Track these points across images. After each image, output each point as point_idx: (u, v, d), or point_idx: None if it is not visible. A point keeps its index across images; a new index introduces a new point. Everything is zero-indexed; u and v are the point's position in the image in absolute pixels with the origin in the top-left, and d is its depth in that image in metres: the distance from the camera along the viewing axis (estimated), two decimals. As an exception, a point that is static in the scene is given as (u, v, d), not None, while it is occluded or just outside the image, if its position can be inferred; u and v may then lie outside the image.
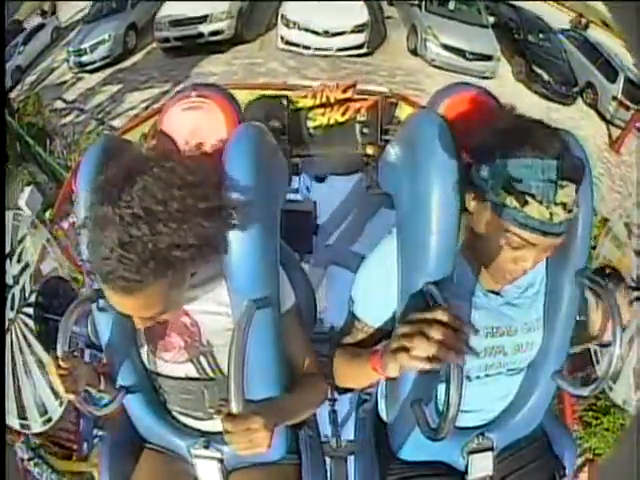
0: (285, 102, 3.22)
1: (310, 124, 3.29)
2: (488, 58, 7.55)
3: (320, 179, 3.24)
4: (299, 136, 3.25)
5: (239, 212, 0.90)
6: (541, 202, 0.85)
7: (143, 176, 0.81)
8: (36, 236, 1.79)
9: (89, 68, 7.58)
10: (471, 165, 0.93)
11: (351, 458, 1.60)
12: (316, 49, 7.28)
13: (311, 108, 3.27)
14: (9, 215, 1.77)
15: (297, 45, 7.30)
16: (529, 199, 0.85)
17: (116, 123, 6.54)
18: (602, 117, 7.43)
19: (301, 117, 3.26)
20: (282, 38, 7.36)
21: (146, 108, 6.46)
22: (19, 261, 1.74)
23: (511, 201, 0.87)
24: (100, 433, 2.13)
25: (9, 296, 1.69)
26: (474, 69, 7.45)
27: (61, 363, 0.95)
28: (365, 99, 3.22)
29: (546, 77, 7.53)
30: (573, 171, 0.86)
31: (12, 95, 6.92)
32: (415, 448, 1.12)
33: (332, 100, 3.25)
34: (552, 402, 1.18)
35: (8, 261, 1.73)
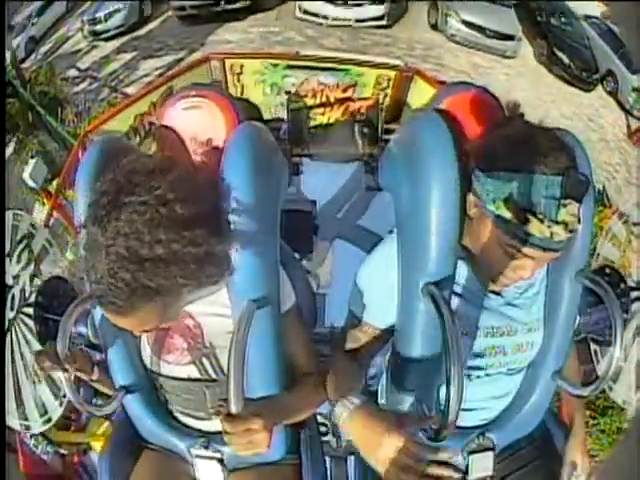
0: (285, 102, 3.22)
1: (310, 123, 3.29)
2: (509, 37, 7.51)
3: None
4: (299, 136, 3.24)
5: (235, 248, 0.90)
6: (542, 221, 0.84)
7: (130, 201, 0.78)
8: (36, 236, 1.79)
9: (104, 37, 7.58)
10: (473, 170, 0.92)
11: (351, 458, 1.59)
12: (334, 19, 7.23)
13: (311, 107, 3.27)
14: (9, 215, 1.76)
15: (315, 15, 7.26)
16: (530, 217, 0.84)
17: (129, 90, 6.56)
18: (622, 107, 7.38)
19: (301, 117, 3.26)
20: (300, 7, 7.34)
21: (160, 75, 6.45)
22: (19, 261, 1.73)
23: (511, 217, 0.86)
24: (100, 402, 2.12)
25: (9, 296, 1.69)
26: (495, 47, 7.43)
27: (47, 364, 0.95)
28: (365, 99, 3.22)
29: (567, 61, 7.48)
30: (577, 189, 0.85)
31: (25, 65, 6.86)
32: (415, 448, 1.11)
33: (332, 100, 3.25)
34: (552, 402, 1.17)
35: (8, 261, 1.72)
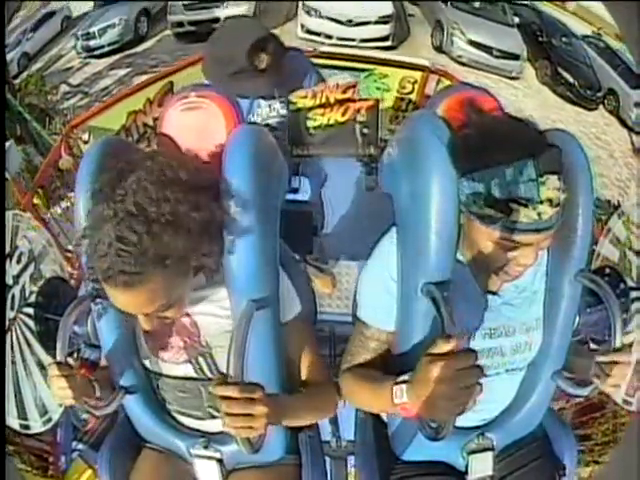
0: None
1: (310, 124, 3.28)
2: (515, 57, 7.43)
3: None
4: (299, 136, 3.23)
5: (233, 228, 0.92)
6: (526, 205, 0.84)
7: (137, 169, 0.83)
8: (36, 236, 1.79)
9: (97, 53, 7.39)
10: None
11: (351, 458, 1.59)
12: (338, 39, 6.91)
13: (311, 108, 3.25)
14: (9, 215, 1.77)
15: (318, 34, 6.96)
16: (513, 206, 0.84)
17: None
18: (624, 124, 7.39)
19: (301, 117, 3.25)
20: (303, 26, 7.07)
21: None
22: (19, 261, 1.73)
23: (495, 212, 0.86)
24: (80, 447, 2.01)
25: (9, 296, 1.69)
26: (501, 67, 7.35)
27: (57, 372, 0.94)
28: (365, 99, 3.21)
29: (571, 80, 7.47)
30: (551, 162, 0.84)
31: (17, 81, 6.68)
32: (415, 448, 1.11)
33: (332, 100, 3.23)
34: (552, 402, 1.17)
35: (8, 261, 1.72)
